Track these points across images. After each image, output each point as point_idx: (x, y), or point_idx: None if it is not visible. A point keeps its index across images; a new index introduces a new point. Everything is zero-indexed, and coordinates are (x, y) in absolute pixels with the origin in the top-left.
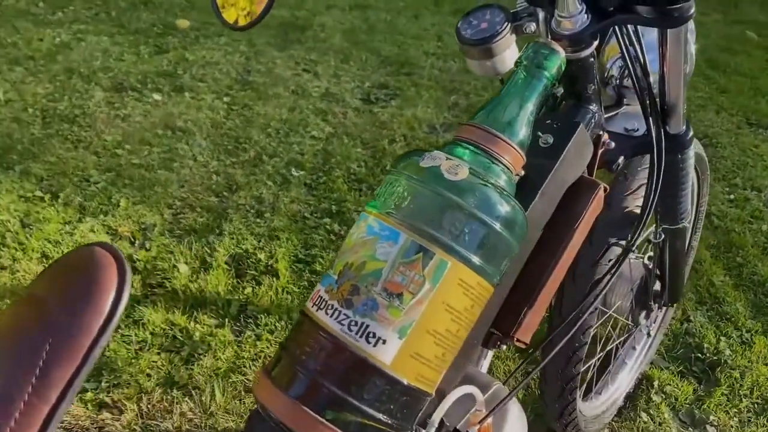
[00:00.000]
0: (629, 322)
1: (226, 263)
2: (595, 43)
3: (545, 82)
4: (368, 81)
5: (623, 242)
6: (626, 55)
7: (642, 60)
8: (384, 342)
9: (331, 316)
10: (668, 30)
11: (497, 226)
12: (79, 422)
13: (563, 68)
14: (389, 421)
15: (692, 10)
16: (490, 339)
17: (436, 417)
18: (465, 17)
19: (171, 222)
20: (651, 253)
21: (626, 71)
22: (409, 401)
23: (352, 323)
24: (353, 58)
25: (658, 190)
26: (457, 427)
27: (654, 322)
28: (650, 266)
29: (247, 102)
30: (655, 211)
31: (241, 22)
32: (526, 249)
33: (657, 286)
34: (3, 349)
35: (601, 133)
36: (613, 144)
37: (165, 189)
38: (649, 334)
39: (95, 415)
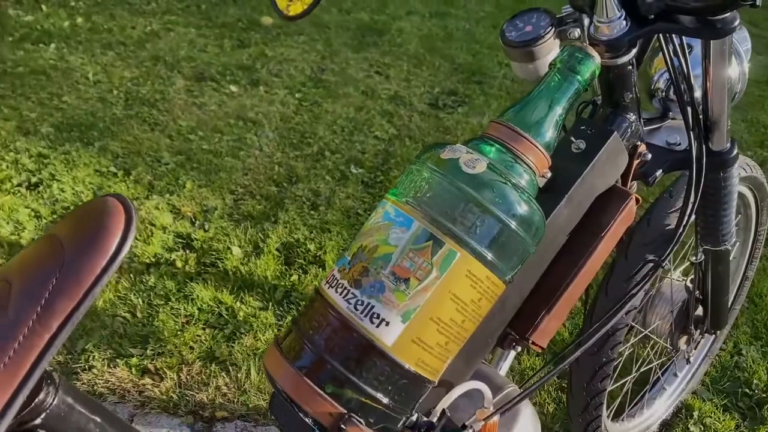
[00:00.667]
0: (668, 346)
1: (276, 250)
2: (634, 51)
3: (577, 86)
4: (438, 87)
5: (659, 258)
6: (670, 66)
7: (686, 72)
8: (387, 324)
9: (341, 294)
10: (711, 42)
11: (512, 223)
12: (122, 384)
13: (597, 74)
14: (388, 403)
15: (736, 23)
16: (506, 339)
17: (440, 407)
18: (511, 19)
19: (231, 206)
20: (693, 276)
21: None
22: (409, 386)
23: (359, 302)
24: (426, 63)
25: (695, 208)
26: (465, 423)
27: (696, 349)
28: (692, 289)
29: (317, 99)
30: (696, 231)
31: (291, 12)
32: (549, 253)
33: (699, 311)
34: (19, 280)
35: (638, 143)
36: (649, 156)
37: (229, 175)
38: (688, 361)
39: (137, 380)
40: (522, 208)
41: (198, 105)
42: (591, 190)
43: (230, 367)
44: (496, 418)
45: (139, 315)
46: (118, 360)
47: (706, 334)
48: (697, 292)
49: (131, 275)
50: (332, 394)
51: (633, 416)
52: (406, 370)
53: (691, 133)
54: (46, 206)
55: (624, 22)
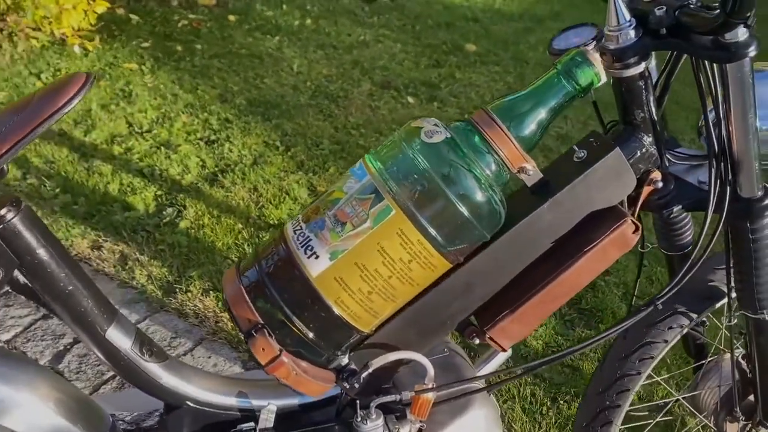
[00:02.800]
0: (711, 425)
1: None
2: (643, 64)
3: (569, 89)
4: None
5: (692, 314)
6: (700, 93)
7: (715, 102)
8: (317, 257)
9: (292, 227)
10: (727, 66)
11: (454, 199)
12: (206, 312)
13: (596, 83)
14: (309, 335)
15: (752, 48)
16: (468, 328)
17: (373, 362)
18: (565, 30)
19: None
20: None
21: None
22: (330, 324)
23: (301, 234)
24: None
25: (704, 256)
26: (402, 392)
27: None
28: (743, 366)
29: None
30: (737, 292)
31: None
32: (527, 253)
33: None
34: None
35: (651, 169)
36: (660, 184)
37: None
38: None
39: (219, 312)
40: (469, 188)
41: (372, 107)
42: (584, 201)
43: None
44: (430, 395)
45: None
46: (211, 292)
47: (761, 428)
48: (748, 369)
49: (252, 229)
50: (260, 309)
51: None
52: (325, 305)
53: (712, 170)
54: (213, 160)
55: (632, 32)
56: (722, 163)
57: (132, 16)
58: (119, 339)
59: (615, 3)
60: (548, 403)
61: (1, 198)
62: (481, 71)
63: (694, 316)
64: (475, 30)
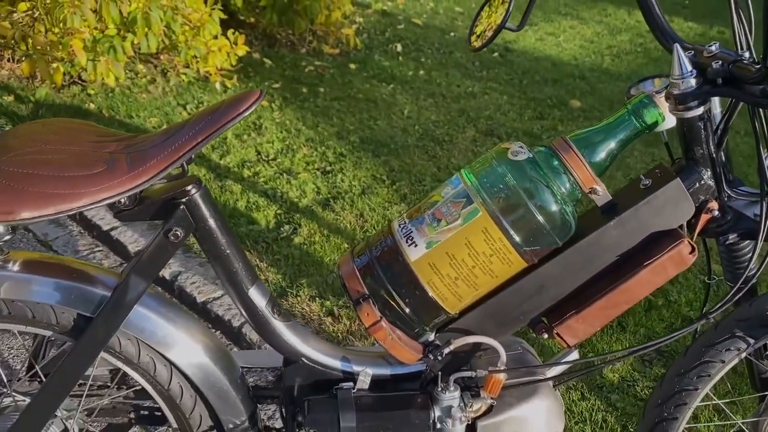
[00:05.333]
0: None
1: None
2: (702, 108)
3: (636, 126)
4: None
5: (750, 339)
6: (755, 136)
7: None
8: (416, 246)
9: (398, 222)
10: None
11: (531, 206)
12: (310, 315)
13: (659, 122)
14: (405, 309)
15: None
16: (538, 324)
17: (455, 345)
18: (643, 80)
19: None
20: None
21: None
22: (422, 303)
23: (405, 228)
24: None
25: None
26: (477, 370)
27: None
28: None
29: None
30: None
31: (474, 45)
32: (595, 264)
33: None
34: (196, 116)
35: (708, 199)
36: (717, 213)
37: None
38: None
39: (322, 316)
40: (545, 199)
41: (474, 152)
42: (645, 223)
43: None
44: (502, 376)
45: None
46: (317, 299)
47: None
48: None
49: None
50: (368, 284)
51: None
52: (420, 285)
53: (764, 204)
54: (327, 187)
55: (693, 81)
56: None
57: (266, 60)
58: (257, 298)
59: (678, 56)
60: (618, 430)
61: (188, 178)
62: (583, 126)
63: (752, 341)
64: (581, 87)
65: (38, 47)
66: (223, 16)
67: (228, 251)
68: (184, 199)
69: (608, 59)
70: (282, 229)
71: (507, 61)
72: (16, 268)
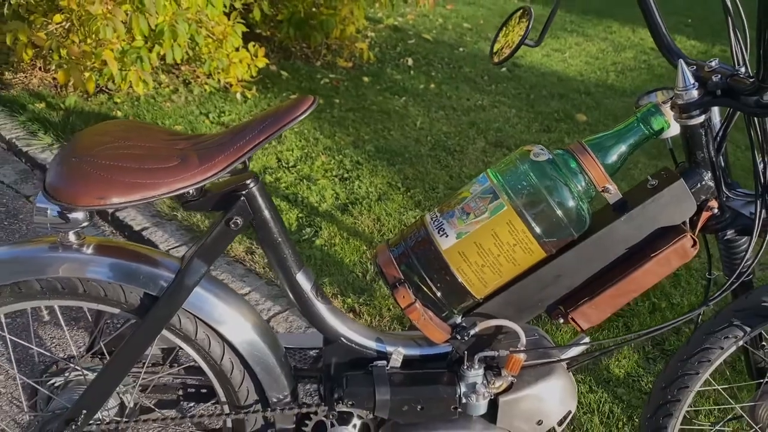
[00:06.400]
0: None
1: None
2: (703, 116)
3: (644, 132)
4: None
5: (746, 327)
6: (750, 140)
7: (761, 150)
8: (447, 236)
9: (430, 216)
10: (766, 120)
11: (551, 201)
12: None
13: (665, 129)
14: (437, 294)
15: None
16: (555, 310)
17: (479, 327)
18: (650, 91)
19: None
20: None
21: None
22: (452, 288)
23: (437, 220)
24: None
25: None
26: (499, 350)
27: None
28: None
29: None
30: None
31: (495, 59)
32: (606, 256)
33: None
34: (259, 118)
35: (709, 198)
36: (716, 211)
37: None
38: None
39: (346, 313)
40: (563, 196)
41: (484, 162)
42: (652, 219)
43: None
44: (522, 356)
45: (367, 278)
46: (339, 296)
47: None
48: None
49: (374, 251)
50: (404, 272)
51: None
52: (450, 272)
53: (758, 203)
54: (345, 193)
55: (695, 92)
56: (765, 198)
57: (283, 72)
58: (304, 281)
59: (683, 70)
60: (624, 420)
61: (247, 173)
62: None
63: (748, 329)
64: (586, 102)
65: (72, 57)
66: (245, 30)
67: (279, 239)
68: (244, 192)
69: (613, 75)
70: (304, 231)
71: (515, 76)
72: (90, 251)
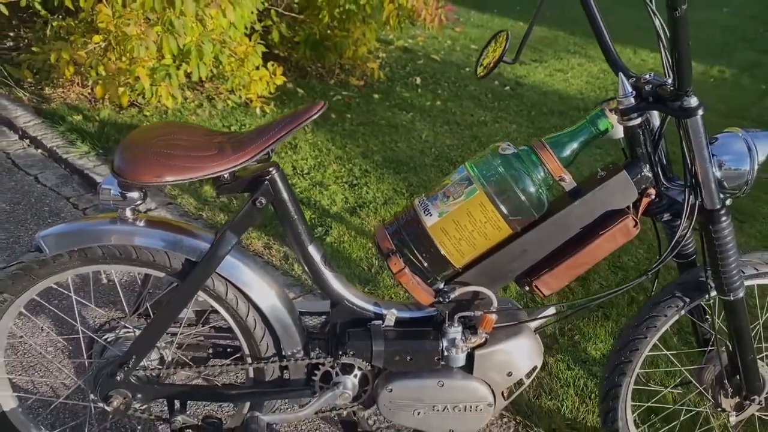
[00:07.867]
0: (708, 395)
1: None
2: (640, 119)
3: (592, 131)
4: None
5: (686, 299)
6: (680, 139)
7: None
8: (431, 215)
9: (418, 200)
10: (688, 121)
11: (516, 188)
12: None
13: (610, 129)
14: (423, 263)
15: (700, 110)
16: (522, 280)
17: (458, 292)
18: (609, 99)
19: None
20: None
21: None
22: (434, 258)
23: (423, 203)
24: None
25: (677, 249)
26: (475, 312)
27: (739, 414)
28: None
29: None
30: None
31: (479, 73)
32: (564, 233)
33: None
34: (276, 121)
35: (648, 187)
36: (654, 197)
37: None
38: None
39: None
40: (525, 183)
41: None
42: (601, 203)
43: None
44: (494, 316)
45: (372, 271)
46: None
47: (750, 402)
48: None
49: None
50: (396, 245)
51: None
52: (434, 244)
53: (686, 191)
54: (353, 198)
55: (633, 99)
56: (692, 187)
57: (299, 89)
58: (314, 252)
59: (622, 81)
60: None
61: (270, 163)
62: (585, 152)
63: (688, 300)
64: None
65: (109, 73)
66: (265, 50)
67: (295, 216)
68: (267, 177)
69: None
70: (316, 230)
71: (517, 94)
72: (143, 224)
